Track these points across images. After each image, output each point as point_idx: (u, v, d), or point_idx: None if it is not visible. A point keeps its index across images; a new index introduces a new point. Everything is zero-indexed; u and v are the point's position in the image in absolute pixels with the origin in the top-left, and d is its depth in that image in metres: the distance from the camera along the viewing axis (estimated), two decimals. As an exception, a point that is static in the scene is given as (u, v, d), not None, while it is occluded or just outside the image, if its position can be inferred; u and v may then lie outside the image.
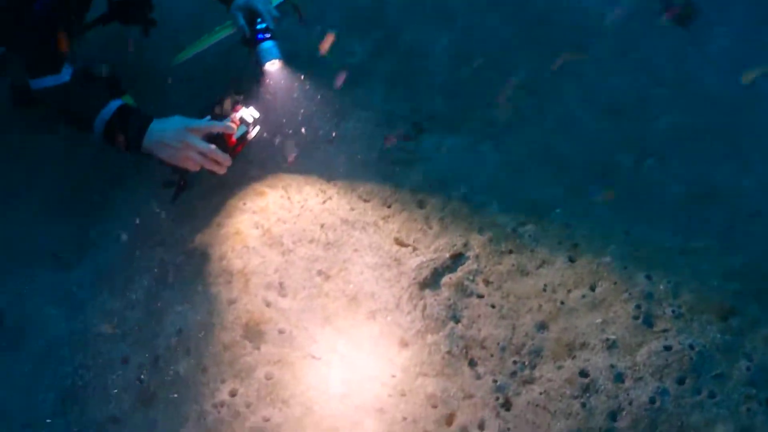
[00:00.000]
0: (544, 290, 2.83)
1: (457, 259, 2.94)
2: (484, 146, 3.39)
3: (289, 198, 3.05)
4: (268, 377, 2.50)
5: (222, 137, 2.93)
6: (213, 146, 2.86)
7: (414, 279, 2.84)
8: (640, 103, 3.57)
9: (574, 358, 2.64)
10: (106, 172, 3.15)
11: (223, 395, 2.47)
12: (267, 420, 2.41)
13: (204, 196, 3.04)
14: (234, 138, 2.95)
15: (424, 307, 2.76)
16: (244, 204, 3.00)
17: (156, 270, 2.82)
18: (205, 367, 2.54)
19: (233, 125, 2.94)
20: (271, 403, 2.45)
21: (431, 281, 2.86)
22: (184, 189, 3.01)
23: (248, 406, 2.44)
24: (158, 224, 2.98)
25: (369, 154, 3.33)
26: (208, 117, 2.96)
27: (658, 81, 3.69)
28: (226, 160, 2.90)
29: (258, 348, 2.58)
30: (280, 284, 2.76)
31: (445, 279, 2.87)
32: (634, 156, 3.32)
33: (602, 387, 2.56)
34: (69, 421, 2.47)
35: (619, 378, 2.57)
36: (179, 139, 2.82)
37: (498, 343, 2.69)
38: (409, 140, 3.41)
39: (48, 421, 2.49)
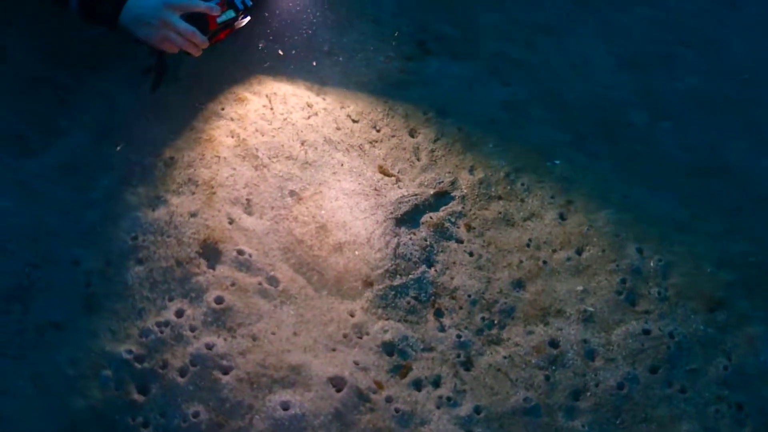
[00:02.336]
0: (528, 246, 2.63)
1: (442, 197, 2.73)
2: (490, 80, 3.13)
3: (272, 108, 2.80)
4: (219, 302, 2.29)
5: (203, 18, 2.64)
6: (193, 28, 2.58)
7: (391, 213, 2.62)
8: (662, 61, 3.29)
9: (546, 324, 2.46)
10: (83, 56, 2.87)
11: (169, 314, 2.27)
12: (209, 348, 2.21)
13: (181, 95, 2.78)
14: (216, 21, 2.67)
15: (397, 246, 2.55)
16: (222, 109, 2.74)
17: (120, 169, 2.58)
18: (155, 282, 2.33)
19: (218, 7, 2.66)
20: (217, 331, 2.25)
21: (409, 218, 2.65)
22: (164, 74, 2.74)
23: (193, 330, 2.24)
24: (130, 120, 2.71)
25: (366, 71, 3.06)
26: None
27: (685, 40, 3.40)
28: (202, 42, 2.63)
29: (213, 268, 2.37)
30: (248, 201, 2.54)
31: (425, 218, 2.65)
32: (648, 116, 3.07)
33: (571, 362, 2.38)
34: (9, 320, 2.27)
35: (590, 355, 2.39)
36: (157, 17, 2.54)
37: (469, 296, 2.50)
38: (412, 61, 3.14)
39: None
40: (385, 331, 2.38)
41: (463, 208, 2.69)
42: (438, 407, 2.27)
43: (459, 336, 2.41)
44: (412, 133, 2.88)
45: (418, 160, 2.81)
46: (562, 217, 2.70)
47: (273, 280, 2.40)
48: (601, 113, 3.05)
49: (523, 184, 2.78)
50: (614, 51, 3.32)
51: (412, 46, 3.21)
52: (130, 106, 2.75)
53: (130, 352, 2.21)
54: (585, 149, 2.92)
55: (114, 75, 2.83)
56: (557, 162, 2.86)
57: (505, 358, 2.38)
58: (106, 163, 2.60)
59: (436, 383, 2.32)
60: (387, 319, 2.41)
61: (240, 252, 2.41)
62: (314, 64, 3.04)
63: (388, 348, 2.35)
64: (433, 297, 2.48)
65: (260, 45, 3.02)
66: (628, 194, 2.78)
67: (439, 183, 2.73)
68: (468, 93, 3.06)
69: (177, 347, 2.22)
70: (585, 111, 3.05)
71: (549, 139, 2.94)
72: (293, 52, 3.05)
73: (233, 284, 2.34)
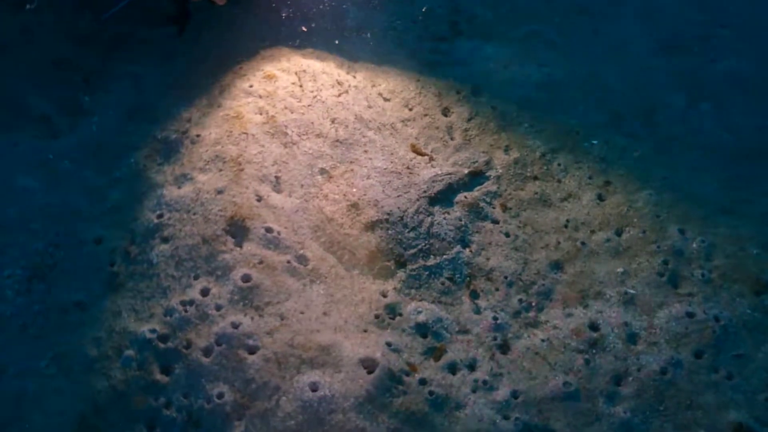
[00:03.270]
0: (566, 227, 2.49)
1: (477, 177, 2.59)
2: (524, 61, 2.99)
3: (301, 85, 2.68)
4: (246, 280, 2.17)
5: None
6: None
7: (425, 192, 2.49)
8: (701, 42, 3.13)
9: (586, 307, 2.31)
10: (108, 36, 2.78)
11: (194, 293, 2.15)
12: (235, 327, 2.09)
13: (209, 73, 2.68)
14: None
15: (431, 225, 2.42)
16: (251, 86, 2.63)
17: (146, 148, 2.48)
18: (180, 260, 2.22)
19: None
20: (243, 310, 2.13)
21: (443, 197, 2.52)
22: (187, 19, 2.71)
23: (218, 308, 2.12)
24: (156, 98, 2.63)
25: (398, 51, 2.95)
26: None
27: (724, 21, 3.23)
28: None
29: (240, 246, 2.25)
30: (277, 178, 2.41)
31: (460, 197, 2.52)
32: (687, 98, 2.91)
33: (611, 345, 2.23)
34: (33, 300, 2.18)
35: (631, 339, 2.24)
36: None
37: (506, 277, 2.35)
38: (444, 41, 3.01)
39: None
40: (419, 312, 2.24)
41: (498, 188, 2.55)
42: (474, 391, 2.13)
43: (495, 318, 2.26)
44: (445, 112, 2.75)
45: (452, 139, 2.67)
46: (600, 197, 2.55)
47: (302, 259, 2.27)
48: (638, 94, 2.90)
49: (559, 165, 2.63)
50: (651, 33, 3.17)
51: (444, 26, 3.09)
52: (156, 85, 2.65)
53: (153, 331, 2.10)
54: (622, 130, 2.78)
55: (139, 56, 2.74)
56: (594, 142, 2.71)
57: (543, 341, 2.23)
58: (131, 143, 2.52)
59: (472, 366, 2.18)
60: (420, 300, 2.28)
61: (268, 230, 2.29)
62: (343, 42, 2.92)
63: (422, 329, 2.22)
64: (468, 278, 2.34)
65: (283, 15, 2.90)
66: (668, 175, 2.63)
67: (474, 162, 2.60)
68: (502, 73, 2.92)
69: (202, 326, 2.10)
70: (622, 92, 2.91)
71: (585, 120, 2.79)
72: (318, 28, 2.96)
73: (261, 262, 2.21)
